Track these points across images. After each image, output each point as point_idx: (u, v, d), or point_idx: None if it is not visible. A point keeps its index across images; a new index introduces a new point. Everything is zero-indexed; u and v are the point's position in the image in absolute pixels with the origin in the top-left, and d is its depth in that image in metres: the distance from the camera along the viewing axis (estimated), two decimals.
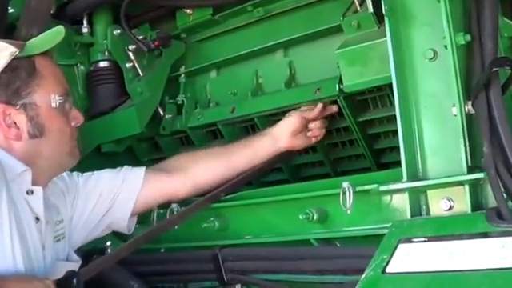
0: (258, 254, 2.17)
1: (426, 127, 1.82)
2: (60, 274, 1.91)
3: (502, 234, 1.50)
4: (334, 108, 2.33)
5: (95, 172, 2.28)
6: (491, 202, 1.69)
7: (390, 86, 1.90)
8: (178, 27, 2.74)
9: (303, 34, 2.43)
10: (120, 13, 2.64)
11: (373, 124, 2.37)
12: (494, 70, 1.65)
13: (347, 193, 1.91)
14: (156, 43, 2.66)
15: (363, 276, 1.55)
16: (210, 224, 2.28)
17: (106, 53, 2.76)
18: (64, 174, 2.17)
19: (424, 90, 1.84)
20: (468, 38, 1.77)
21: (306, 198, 2.09)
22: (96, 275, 2.26)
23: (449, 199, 1.74)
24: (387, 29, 1.87)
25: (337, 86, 2.21)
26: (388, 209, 1.91)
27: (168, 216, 2.33)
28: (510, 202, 1.59)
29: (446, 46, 1.77)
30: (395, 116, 1.85)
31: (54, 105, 1.99)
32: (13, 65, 1.93)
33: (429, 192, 1.79)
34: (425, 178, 1.80)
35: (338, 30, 2.23)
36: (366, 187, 1.93)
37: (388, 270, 1.54)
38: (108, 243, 2.37)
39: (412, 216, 1.78)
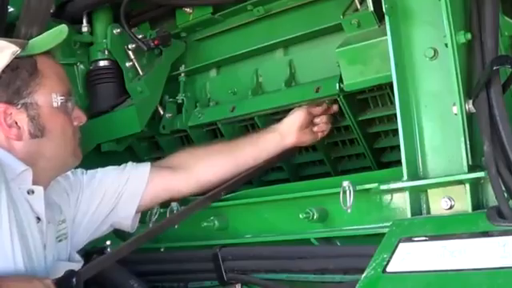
0: (258, 253, 2.16)
1: (427, 126, 1.82)
2: (61, 275, 1.91)
3: (502, 233, 1.50)
4: (336, 107, 2.33)
5: (99, 170, 2.28)
6: (492, 200, 1.68)
7: (391, 84, 1.89)
8: (177, 26, 2.74)
9: (303, 32, 2.43)
10: (120, 12, 2.64)
11: (373, 123, 2.37)
12: (494, 68, 1.64)
13: (347, 192, 1.91)
14: (156, 42, 2.65)
15: (364, 275, 1.55)
16: (209, 223, 2.28)
17: (106, 52, 2.75)
18: (68, 173, 2.16)
19: (424, 88, 1.83)
20: (468, 36, 1.76)
21: (307, 197, 2.09)
22: (96, 274, 2.26)
23: (449, 198, 1.73)
24: (387, 27, 1.86)
25: (337, 84, 2.21)
26: (388, 208, 1.91)
27: (168, 215, 2.33)
28: (510, 200, 1.59)
29: (446, 45, 1.76)
30: (395, 115, 1.84)
31: (55, 104, 1.98)
32: (14, 64, 1.92)
33: (429, 191, 1.78)
34: (425, 177, 1.79)
35: (338, 28, 2.23)
36: (367, 186, 1.93)
37: (388, 269, 1.54)
38: (108, 242, 2.36)
39: (412, 215, 1.78)
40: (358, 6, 2.11)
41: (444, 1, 1.75)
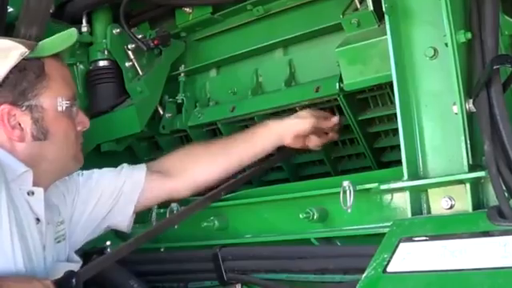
0: (258, 253, 2.16)
1: (427, 126, 1.82)
2: (61, 275, 1.90)
3: (503, 233, 1.49)
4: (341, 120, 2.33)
5: (96, 171, 2.27)
6: (492, 200, 1.68)
7: (391, 84, 1.89)
8: (177, 26, 2.74)
9: (303, 32, 2.43)
10: (119, 12, 2.64)
11: (373, 123, 2.37)
12: (494, 67, 1.64)
13: (348, 192, 1.90)
14: (155, 42, 2.65)
15: (364, 275, 1.54)
16: (209, 223, 2.27)
17: (106, 52, 2.75)
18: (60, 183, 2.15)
19: (424, 88, 1.83)
20: (469, 35, 1.76)
21: (307, 197, 2.08)
22: (96, 275, 2.26)
23: (450, 198, 1.73)
24: (387, 27, 1.86)
25: (337, 84, 2.21)
26: (389, 208, 1.91)
27: (168, 215, 2.33)
28: (511, 200, 1.58)
29: (446, 44, 1.76)
30: (395, 114, 1.84)
31: (60, 108, 1.98)
32: (21, 65, 1.91)
33: (430, 191, 1.78)
34: (426, 177, 1.79)
35: (338, 28, 2.23)
36: (367, 186, 1.93)
37: (389, 269, 1.53)
38: (108, 243, 2.36)
39: (413, 215, 1.77)
40: (358, 6, 2.11)
41: (444, 0, 1.75)
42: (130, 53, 2.70)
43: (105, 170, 2.29)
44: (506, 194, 1.58)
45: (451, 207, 1.73)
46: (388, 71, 1.88)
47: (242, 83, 2.63)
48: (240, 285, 2.23)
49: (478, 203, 1.71)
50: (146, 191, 2.26)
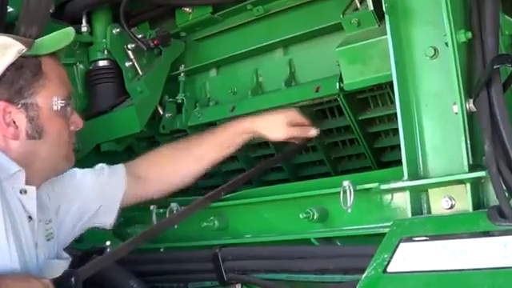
0: (258, 253, 2.15)
1: (427, 125, 1.81)
2: (52, 272, 1.91)
3: (503, 233, 1.49)
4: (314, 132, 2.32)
5: (77, 170, 2.24)
6: (493, 200, 1.68)
7: (391, 84, 1.89)
8: (177, 26, 2.74)
9: (303, 32, 2.42)
10: (119, 12, 2.64)
11: (373, 122, 2.37)
12: (495, 67, 1.63)
13: (348, 191, 1.90)
14: (155, 42, 2.65)
15: (364, 275, 1.54)
16: (209, 223, 2.27)
17: (106, 52, 2.75)
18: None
19: (425, 88, 1.83)
20: (469, 35, 1.76)
21: (307, 197, 2.08)
22: (95, 275, 2.26)
23: (450, 198, 1.73)
24: (387, 26, 1.85)
25: (337, 84, 2.21)
26: (389, 207, 1.90)
27: (168, 215, 2.33)
28: (511, 200, 1.58)
29: (446, 44, 1.76)
30: (396, 114, 1.84)
31: (55, 108, 1.97)
32: (19, 63, 1.91)
33: (430, 190, 1.78)
34: (426, 177, 1.79)
35: (338, 28, 2.23)
36: (367, 186, 1.92)
37: (389, 269, 1.53)
38: (108, 243, 2.36)
39: (413, 215, 1.77)
40: (358, 5, 2.11)
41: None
42: (129, 53, 2.70)
43: (86, 170, 2.28)
44: (507, 194, 1.58)
45: (451, 207, 1.73)
46: (388, 71, 1.88)
47: (242, 83, 2.62)
48: (240, 285, 2.23)
49: (479, 203, 1.71)
50: (125, 194, 2.28)
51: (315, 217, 2.01)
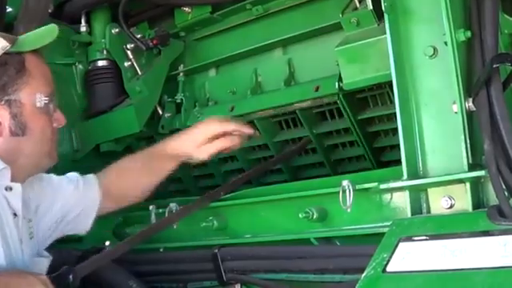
0: (257, 253, 2.15)
1: (427, 125, 1.81)
2: (36, 270, 1.92)
3: (503, 232, 1.49)
4: (252, 132, 2.32)
5: (54, 177, 2.24)
6: (492, 199, 1.67)
7: (390, 83, 1.88)
8: (176, 26, 2.73)
9: (302, 31, 2.42)
10: (118, 11, 2.64)
11: (373, 122, 2.36)
12: (494, 66, 1.63)
13: (347, 191, 1.90)
14: (154, 42, 2.65)
15: (363, 275, 1.54)
16: (208, 223, 2.27)
17: (105, 52, 2.75)
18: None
19: (424, 87, 1.82)
20: (468, 34, 1.75)
21: (306, 197, 2.08)
22: (95, 275, 2.26)
23: (450, 197, 1.72)
24: (387, 26, 1.85)
25: (336, 83, 2.21)
26: (388, 207, 1.90)
27: (167, 215, 2.32)
28: (511, 199, 1.58)
29: (446, 43, 1.75)
30: (395, 114, 1.83)
31: (38, 104, 1.98)
32: (2, 59, 1.91)
33: (429, 190, 1.77)
34: (425, 176, 1.78)
35: (337, 27, 2.22)
36: (366, 185, 1.92)
37: (388, 268, 1.53)
38: (107, 243, 2.36)
39: (412, 214, 1.76)
40: (357, 5, 2.10)
41: None
42: (128, 52, 2.70)
43: (62, 177, 2.27)
44: (506, 193, 1.58)
45: (451, 206, 1.72)
46: (387, 70, 1.87)
47: (242, 83, 2.62)
48: (239, 285, 2.23)
49: (478, 202, 1.70)
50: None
51: (314, 216, 2.01)
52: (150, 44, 2.64)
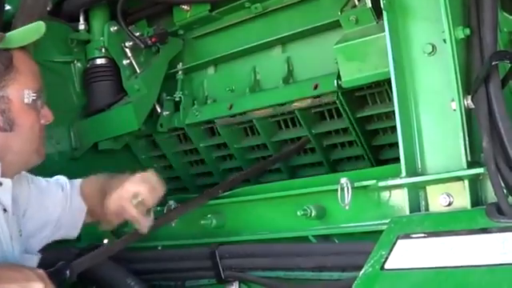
0: (255, 251, 2.15)
1: (425, 122, 1.81)
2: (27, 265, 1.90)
3: (502, 230, 1.49)
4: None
5: (41, 178, 2.24)
6: (491, 197, 1.67)
7: (389, 81, 1.87)
8: (175, 24, 2.72)
9: (301, 29, 2.42)
10: (117, 9, 2.63)
11: (371, 120, 2.36)
12: (493, 63, 1.63)
13: (345, 189, 1.90)
14: (153, 40, 2.65)
15: (362, 272, 1.54)
16: (207, 221, 2.27)
17: (103, 50, 2.75)
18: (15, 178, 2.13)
19: (423, 84, 1.82)
20: (467, 31, 1.75)
21: (304, 195, 2.08)
22: (93, 273, 2.26)
23: (448, 195, 1.72)
24: (385, 23, 1.85)
25: (335, 81, 2.20)
26: (387, 205, 1.90)
27: (165, 212, 2.32)
28: (510, 197, 1.58)
29: (445, 40, 1.75)
30: (394, 112, 1.83)
31: (26, 100, 1.97)
32: None
33: (428, 187, 1.77)
34: (424, 174, 1.78)
35: (336, 25, 2.22)
36: (365, 183, 1.92)
37: (387, 266, 1.53)
38: (105, 241, 2.36)
39: (411, 212, 1.77)
40: (356, 3, 2.10)
41: None
42: (127, 50, 2.70)
43: (51, 182, 2.26)
44: (505, 191, 1.58)
45: (449, 204, 1.72)
46: (386, 68, 1.87)
47: (240, 81, 2.62)
48: (237, 282, 2.23)
49: (477, 200, 1.70)
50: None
51: (313, 214, 2.00)
52: (149, 42, 2.64)
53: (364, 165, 2.43)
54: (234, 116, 2.57)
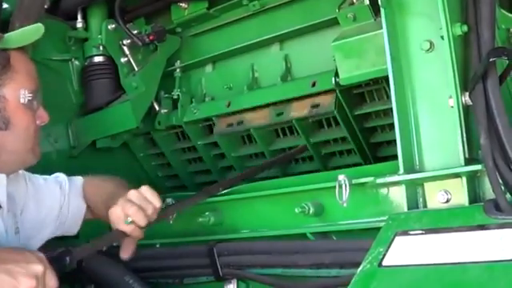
0: (253, 248, 2.15)
1: (423, 119, 1.80)
2: None
3: (500, 226, 1.49)
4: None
5: (38, 176, 2.24)
6: (489, 194, 1.67)
7: (387, 78, 1.87)
8: (173, 21, 2.72)
9: (299, 27, 2.42)
10: (115, 7, 2.63)
11: (369, 117, 2.36)
12: (491, 60, 1.63)
13: (343, 186, 1.89)
14: (151, 38, 2.64)
15: (359, 269, 1.53)
16: (205, 218, 2.26)
17: (101, 48, 2.75)
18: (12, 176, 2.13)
19: (421, 81, 1.82)
20: (465, 28, 1.75)
21: (302, 192, 2.07)
22: (91, 271, 2.26)
23: (446, 191, 1.72)
24: (383, 20, 1.84)
25: (333, 79, 2.21)
26: (385, 202, 1.89)
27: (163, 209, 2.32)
28: (507, 193, 1.57)
29: (442, 37, 1.75)
30: (392, 109, 1.83)
31: (22, 100, 1.97)
32: None
33: (426, 184, 1.77)
34: (422, 171, 1.78)
35: (333, 22, 2.23)
36: (363, 180, 1.91)
37: (384, 262, 1.52)
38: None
39: (409, 209, 1.76)
40: (354, 0, 2.10)
41: None
42: (125, 48, 2.70)
43: (49, 181, 2.26)
44: (503, 188, 1.58)
45: (447, 201, 1.72)
46: (384, 65, 1.87)
47: (238, 78, 2.62)
48: (235, 280, 2.22)
49: (475, 197, 1.70)
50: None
51: (311, 211, 2.00)
52: (147, 40, 2.63)
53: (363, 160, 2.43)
54: (232, 114, 2.57)
